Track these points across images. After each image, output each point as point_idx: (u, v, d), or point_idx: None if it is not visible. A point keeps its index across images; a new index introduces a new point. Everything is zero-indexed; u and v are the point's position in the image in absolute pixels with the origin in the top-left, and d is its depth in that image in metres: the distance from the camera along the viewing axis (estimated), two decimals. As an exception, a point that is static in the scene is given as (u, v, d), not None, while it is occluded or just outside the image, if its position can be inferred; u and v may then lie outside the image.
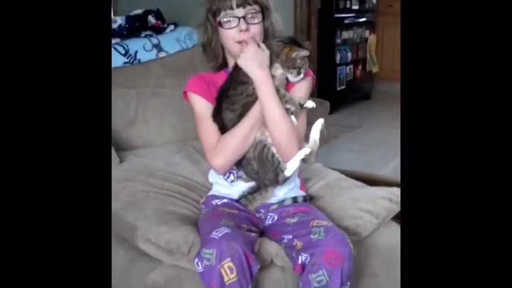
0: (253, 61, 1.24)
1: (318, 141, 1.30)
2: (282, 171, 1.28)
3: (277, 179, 1.29)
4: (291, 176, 1.30)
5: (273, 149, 1.27)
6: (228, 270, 1.07)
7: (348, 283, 1.14)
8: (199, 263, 1.10)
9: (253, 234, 1.24)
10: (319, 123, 1.30)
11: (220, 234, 1.11)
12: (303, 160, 1.28)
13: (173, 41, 2.00)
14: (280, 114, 1.24)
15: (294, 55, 1.25)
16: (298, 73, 1.28)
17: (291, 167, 1.28)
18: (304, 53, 1.26)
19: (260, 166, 1.28)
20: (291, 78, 1.29)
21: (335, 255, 1.11)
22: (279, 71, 1.27)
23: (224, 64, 1.39)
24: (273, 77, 1.26)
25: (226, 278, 1.07)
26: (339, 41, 4.49)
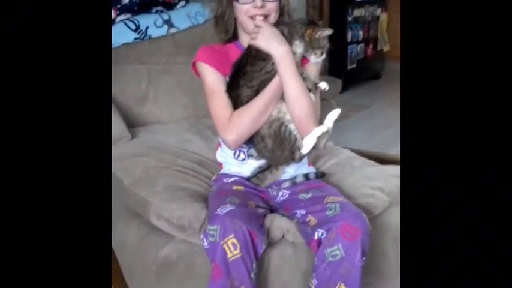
0: (272, 39, 1.24)
1: (330, 130, 1.28)
2: (299, 149, 1.27)
3: (294, 157, 1.28)
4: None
5: (291, 127, 1.27)
6: (232, 247, 1.07)
7: (363, 258, 1.12)
8: (205, 239, 1.11)
9: (261, 211, 1.24)
10: (335, 113, 1.28)
11: (224, 211, 1.11)
12: (313, 146, 1.27)
13: (184, 17, 1.98)
14: (301, 89, 1.24)
15: (317, 35, 1.25)
16: (322, 53, 1.28)
17: (307, 145, 1.26)
18: (327, 32, 1.26)
19: (276, 144, 1.27)
20: (314, 58, 1.29)
21: (351, 229, 1.10)
22: (299, 49, 1.27)
23: (234, 37, 1.38)
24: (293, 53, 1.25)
25: (229, 255, 1.07)
26: (350, 18, 4.42)
